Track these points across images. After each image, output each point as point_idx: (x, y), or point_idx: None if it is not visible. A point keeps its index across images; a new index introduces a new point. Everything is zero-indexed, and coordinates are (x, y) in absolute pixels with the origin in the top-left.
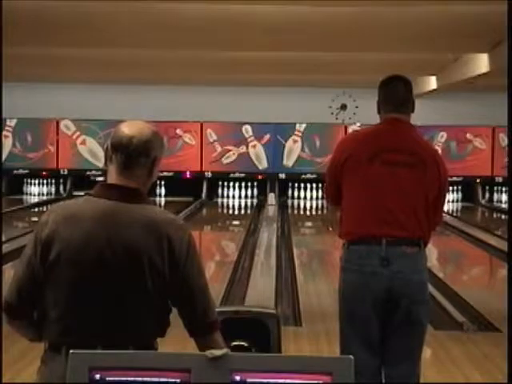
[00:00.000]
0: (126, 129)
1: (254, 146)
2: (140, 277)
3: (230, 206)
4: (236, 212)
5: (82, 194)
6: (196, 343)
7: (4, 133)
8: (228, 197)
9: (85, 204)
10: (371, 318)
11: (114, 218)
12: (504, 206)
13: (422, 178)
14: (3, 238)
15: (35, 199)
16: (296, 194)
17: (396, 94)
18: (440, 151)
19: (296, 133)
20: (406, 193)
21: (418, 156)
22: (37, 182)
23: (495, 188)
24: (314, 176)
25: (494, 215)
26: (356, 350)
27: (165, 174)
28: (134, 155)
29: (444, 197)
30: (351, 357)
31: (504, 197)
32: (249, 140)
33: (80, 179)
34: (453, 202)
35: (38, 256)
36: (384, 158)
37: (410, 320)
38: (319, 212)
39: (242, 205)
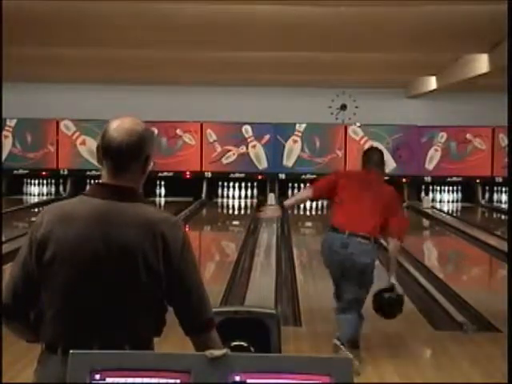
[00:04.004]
0: (115, 132)
1: (254, 146)
2: (135, 275)
3: (230, 206)
4: (236, 212)
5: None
6: (192, 342)
7: (4, 133)
8: (228, 197)
9: (79, 204)
10: (338, 272)
11: (109, 217)
12: (504, 206)
13: (381, 202)
14: (3, 238)
15: (35, 199)
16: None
17: (372, 159)
18: (440, 151)
19: (296, 133)
20: (369, 207)
21: (382, 189)
22: (37, 182)
23: (495, 188)
24: (314, 176)
25: (494, 215)
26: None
27: (165, 174)
28: (124, 160)
29: (396, 220)
30: (351, 357)
31: (504, 197)
32: (249, 140)
33: (80, 179)
34: (453, 202)
35: (33, 256)
36: (360, 181)
37: (358, 281)
38: (319, 212)
39: (242, 205)
